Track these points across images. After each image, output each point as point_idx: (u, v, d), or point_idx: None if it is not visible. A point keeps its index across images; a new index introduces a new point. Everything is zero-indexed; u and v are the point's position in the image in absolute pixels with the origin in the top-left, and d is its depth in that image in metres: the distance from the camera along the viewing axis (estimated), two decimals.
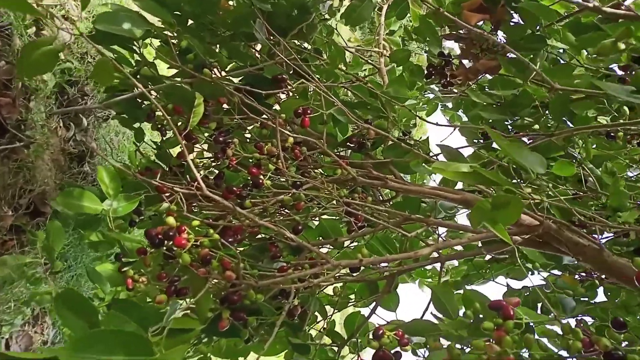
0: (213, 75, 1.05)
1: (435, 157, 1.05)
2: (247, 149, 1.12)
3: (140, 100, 1.23)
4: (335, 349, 0.97)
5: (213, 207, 0.90)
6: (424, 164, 1.10)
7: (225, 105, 1.20)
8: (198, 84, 1.00)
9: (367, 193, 1.08)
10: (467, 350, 0.78)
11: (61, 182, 1.35)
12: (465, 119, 1.57)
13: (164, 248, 0.75)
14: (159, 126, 1.13)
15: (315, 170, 1.11)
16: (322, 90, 0.99)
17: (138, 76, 1.22)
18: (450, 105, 1.48)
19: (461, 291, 1.36)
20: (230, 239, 0.89)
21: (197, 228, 0.80)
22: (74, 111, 1.53)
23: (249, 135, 1.20)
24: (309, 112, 1.00)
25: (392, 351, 0.78)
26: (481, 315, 0.83)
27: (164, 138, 1.27)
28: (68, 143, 1.54)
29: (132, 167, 1.46)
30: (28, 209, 1.27)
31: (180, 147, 0.98)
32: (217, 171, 1.10)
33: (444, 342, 0.86)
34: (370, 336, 0.78)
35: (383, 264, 0.88)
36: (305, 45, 1.29)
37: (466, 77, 1.15)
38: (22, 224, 1.20)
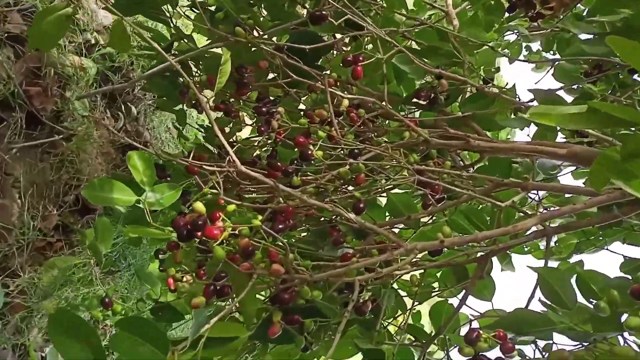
0: (249, 36, 0.90)
1: (525, 106, 0.84)
2: (297, 120, 0.97)
3: (179, 80, 1.10)
4: (420, 348, 0.80)
5: (257, 189, 0.75)
6: (514, 115, 0.89)
7: (271, 74, 1.05)
8: (231, 45, 0.86)
9: (444, 157, 0.89)
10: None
11: (108, 175, 1.28)
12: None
13: (197, 240, 0.62)
14: (193, 102, 1.00)
15: (378, 137, 0.94)
16: (380, 36, 0.81)
17: (174, 51, 1.10)
18: (537, 46, 1.23)
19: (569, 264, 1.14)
20: (280, 225, 0.74)
21: (238, 214, 0.66)
22: (120, 101, 1.45)
23: (300, 106, 1.04)
24: (361, 58, 0.82)
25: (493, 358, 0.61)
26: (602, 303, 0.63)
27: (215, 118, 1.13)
28: (118, 134, 1.46)
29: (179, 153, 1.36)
30: (76, 206, 1.21)
31: (210, 121, 0.85)
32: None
33: (560, 340, 0.67)
34: (462, 338, 0.61)
35: (472, 244, 0.70)
36: None
37: (561, 3, 0.92)
38: (70, 222, 1.14)
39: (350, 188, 0.77)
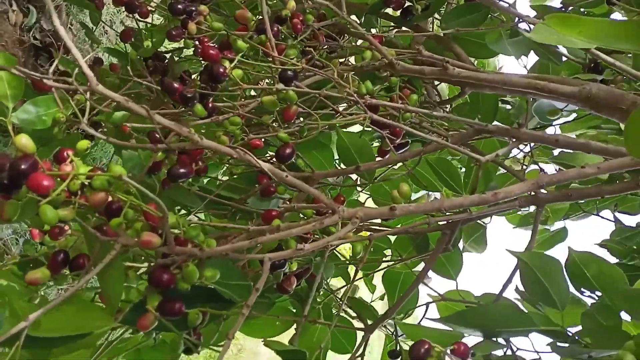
0: None
1: (529, 21, 0.64)
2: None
3: None
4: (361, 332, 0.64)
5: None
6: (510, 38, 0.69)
7: None
8: None
9: (416, 90, 0.70)
10: None
11: None
12: None
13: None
14: None
15: (331, 54, 0.73)
16: None
17: None
18: None
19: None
20: (182, 170, 0.55)
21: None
22: None
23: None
24: None
25: None
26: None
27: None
28: (29, 33, 1.21)
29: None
30: None
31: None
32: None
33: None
34: (407, 347, 0.45)
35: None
36: None
37: None
38: None
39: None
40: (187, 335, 0.47)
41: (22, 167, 0.39)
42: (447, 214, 0.55)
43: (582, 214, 1.01)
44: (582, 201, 0.98)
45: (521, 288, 0.56)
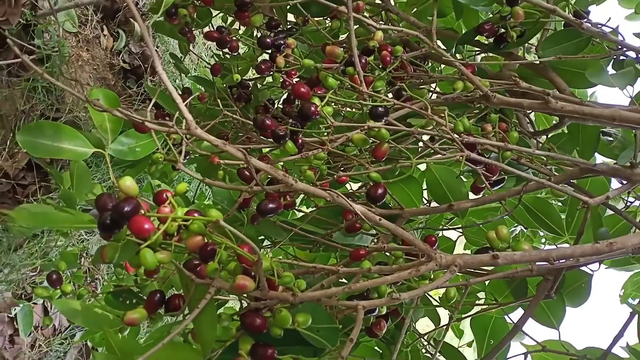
0: None
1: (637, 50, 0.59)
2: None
3: None
4: None
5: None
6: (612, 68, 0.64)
7: None
8: None
9: (509, 121, 0.66)
10: None
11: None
12: None
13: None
14: (185, 29, 0.79)
15: (420, 87, 0.71)
16: None
17: None
18: None
19: None
20: (270, 205, 0.55)
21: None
22: (120, 16, 1.25)
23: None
24: None
25: None
26: None
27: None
28: (119, 57, 1.28)
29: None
30: None
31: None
32: None
33: None
34: None
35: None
36: None
37: None
38: (45, 163, 0.97)
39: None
40: None
41: (125, 209, 0.40)
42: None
43: None
44: None
45: (632, 343, 0.51)
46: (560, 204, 0.77)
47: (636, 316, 0.50)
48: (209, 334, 0.46)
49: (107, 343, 0.50)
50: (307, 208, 0.81)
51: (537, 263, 0.51)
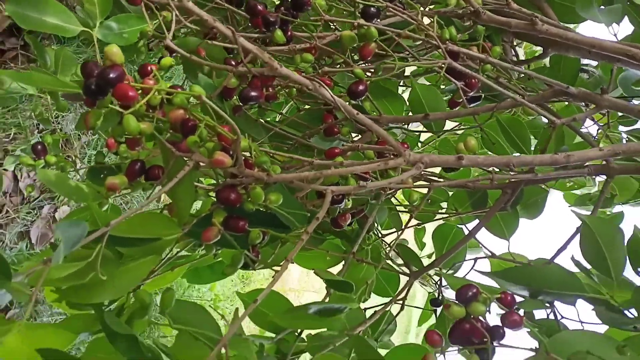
0: None
1: None
2: None
3: None
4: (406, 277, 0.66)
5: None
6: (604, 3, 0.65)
7: None
8: None
9: (494, 42, 0.67)
10: None
11: None
12: None
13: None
14: None
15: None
16: None
17: None
18: None
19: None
20: (253, 93, 0.57)
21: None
22: None
23: None
24: None
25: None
26: None
27: None
28: None
29: None
30: None
31: None
32: None
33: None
34: (453, 297, 0.46)
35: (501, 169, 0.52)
36: None
37: None
38: (27, 32, 0.93)
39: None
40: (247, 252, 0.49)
41: (111, 75, 0.42)
42: (512, 173, 0.55)
43: None
44: None
45: (577, 258, 0.56)
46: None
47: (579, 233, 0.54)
48: (184, 204, 0.49)
49: (90, 216, 0.53)
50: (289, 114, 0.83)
51: (499, 177, 0.55)
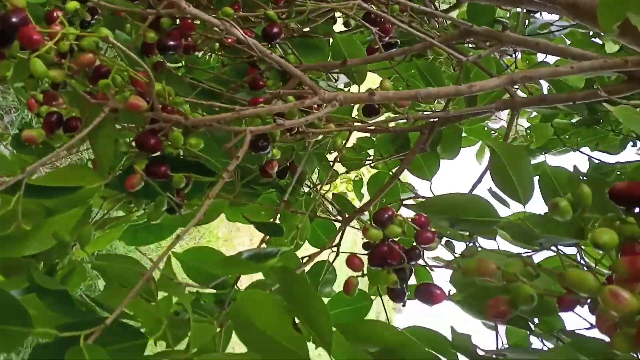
0: None
1: None
2: None
3: None
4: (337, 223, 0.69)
5: None
6: None
7: None
8: None
9: None
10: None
11: None
12: None
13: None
14: None
15: None
16: None
17: None
18: None
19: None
20: (171, 42, 0.57)
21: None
22: None
23: None
24: None
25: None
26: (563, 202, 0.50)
27: None
28: None
29: None
30: None
31: None
32: None
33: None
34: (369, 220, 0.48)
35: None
36: None
37: None
38: None
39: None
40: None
41: (14, 20, 0.41)
42: (426, 113, 0.58)
43: (563, 149, 1.04)
44: (563, 136, 1.01)
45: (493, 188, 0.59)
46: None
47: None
48: (106, 151, 0.49)
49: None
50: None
51: (413, 116, 0.58)
